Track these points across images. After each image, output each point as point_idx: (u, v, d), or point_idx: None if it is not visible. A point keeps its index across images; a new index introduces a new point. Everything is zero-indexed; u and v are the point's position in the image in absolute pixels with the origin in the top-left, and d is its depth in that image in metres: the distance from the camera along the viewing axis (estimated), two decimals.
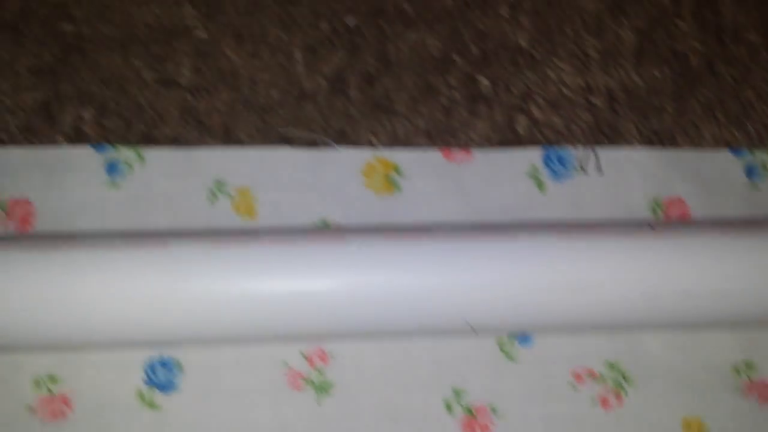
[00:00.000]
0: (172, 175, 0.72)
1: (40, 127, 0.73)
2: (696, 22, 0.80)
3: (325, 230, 0.70)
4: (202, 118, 0.74)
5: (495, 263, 0.64)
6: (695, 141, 0.77)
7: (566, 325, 0.66)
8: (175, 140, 0.73)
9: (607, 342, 0.71)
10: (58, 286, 0.61)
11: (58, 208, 0.70)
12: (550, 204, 0.74)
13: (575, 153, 0.75)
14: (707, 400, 0.70)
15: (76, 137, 0.73)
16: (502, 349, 0.70)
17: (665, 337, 0.71)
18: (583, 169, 0.75)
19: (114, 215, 0.71)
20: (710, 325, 0.69)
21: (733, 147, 0.77)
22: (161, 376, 0.67)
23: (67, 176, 0.71)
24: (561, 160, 0.75)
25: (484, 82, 0.77)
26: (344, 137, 0.74)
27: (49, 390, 0.67)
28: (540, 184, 0.74)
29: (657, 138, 0.76)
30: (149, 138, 0.73)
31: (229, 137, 0.74)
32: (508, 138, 0.75)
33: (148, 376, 0.67)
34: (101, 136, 0.73)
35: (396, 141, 0.75)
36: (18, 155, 0.71)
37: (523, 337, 0.70)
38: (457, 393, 0.69)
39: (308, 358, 0.68)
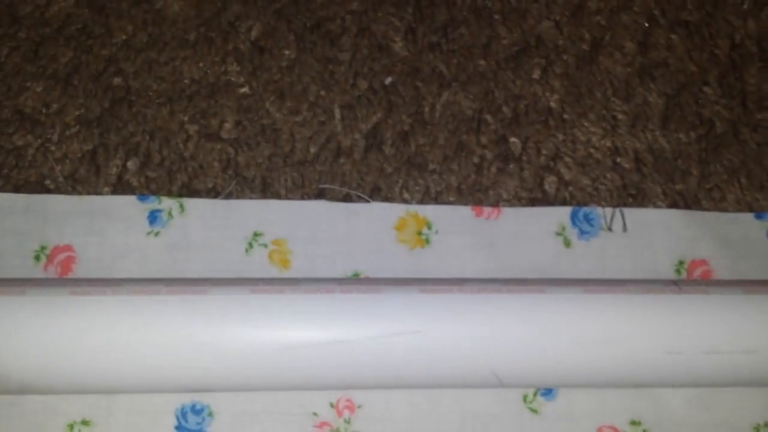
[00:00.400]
0: (211, 226, 0.74)
1: (85, 176, 0.76)
2: (722, 89, 0.82)
3: (357, 281, 0.72)
4: (243, 171, 0.77)
5: (523, 316, 0.65)
6: (719, 204, 0.78)
7: (591, 380, 0.68)
8: (216, 191, 0.76)
9: (630, 399, 0.72)
10: (92, 330, 0.62)
11: (98, 255, 0.73)
12: (576, 261, 0.76)
13: (602, 212, 0.77)
14: None
15: (120, 187, 0.76)
16: (526, 403, 0.71)
17: (688, 396, 0.72)
18: (609, 228, 0.77)
19: (153, 262, 0.73)
20: (733, 383, 0.70)
21: (756, 211, 0.78)
22: (192, 422, 0.69)
23: (109, 224, 0.74)
24: (588, 219, 0.77)
25: (515, 142, 0.79)
26: (378, 192, 0.77)
27: None
28: (567, 242, 0.76)
29: (682, 200, 0.78)
30: (190, 189, 0.76)
31: (267, 190, 0.76)
32: (537, 197, 0.78)
33: (179, 421, 0.69)
34: (144, 186, 0.76)
35: (428, 197, 0.77)
36: (63, 203, 0.74)
37: (547, 391, 0.72)
38: None
39: (336, 408, 0.70)
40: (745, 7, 0.86)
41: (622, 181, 0.79)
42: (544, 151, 0.79)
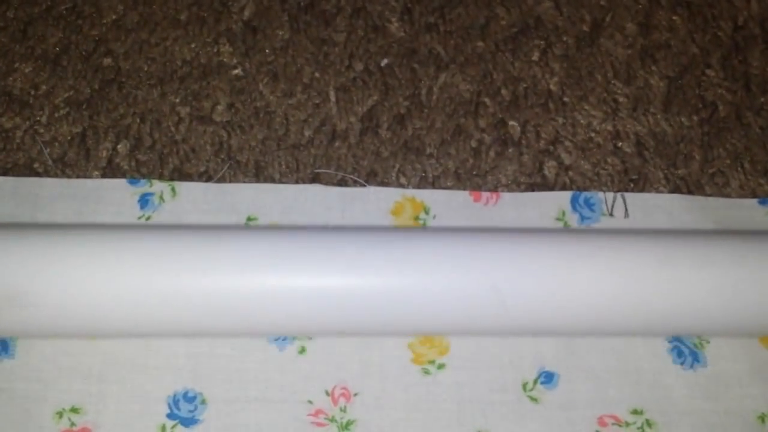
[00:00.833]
0: (204, 210, 0.73)
1: (75, 159, 0.74)
2: (725, 72, 0.81)
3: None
4: (236, 154, 0.75)
5: (525, 244, 0.67)
6: (722, 189, 0.77)
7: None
8: (208, 175, 0.74)
9: (632, 387, 0.71)
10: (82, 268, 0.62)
11: None
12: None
13: (602, 197, 0.76)
14: None
15: (110, 170, 0.74)
16: (525, 391, 0.70)
17: (690, 384, 0.71)
18: (610, 213, 0.75)
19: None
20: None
21: (760, 196, 0.77)
22: (184, 410, 0.68)
23: (100, 208, 0.72)
24: (588, 204, 0.75)
25: (514, 125, 0.78)
26: (374, 177, 0.75)
27: (72, 422, 0.67)
28: (567, 227, 0.75)
29: (684, 185, 0.77)
30: (182, 172, 0.74)
31: (260, 174, 0.75)
32: (537, 182, 0.76)
33: (171, 409, 0.68)
34: (135, 170, 0.74)
35: (425, 182, 0.76)
36: (52, 187, 0.73)
37: (547, 378, 0.70)
38: None
39: (332, 396, 0.69)
40: None
41: (624, 166, 0.77)
42: (543, 135, 0.78)
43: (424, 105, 0.78)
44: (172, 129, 0.75)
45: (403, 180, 0.75)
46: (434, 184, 0.76)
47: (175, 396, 0.68)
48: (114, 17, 0.79)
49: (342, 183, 0.75)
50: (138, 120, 0.76)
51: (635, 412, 0.70)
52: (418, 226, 0.74)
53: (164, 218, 0.72)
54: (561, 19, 0.82)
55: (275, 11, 0.80)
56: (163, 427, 0.67)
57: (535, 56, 0.80)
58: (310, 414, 0.68)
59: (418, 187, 0.75)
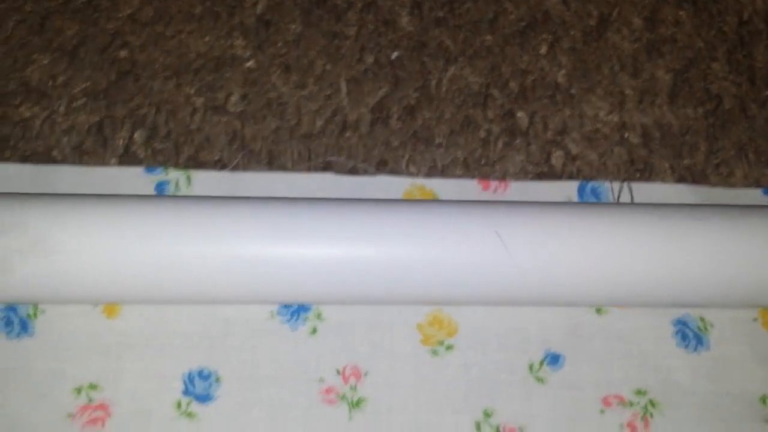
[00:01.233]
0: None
1: (92, 147, 0.76)
2: (730, 65, 0.82)
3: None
4: (249, 143, 0.77)
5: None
6: (727, 179, 0.78)
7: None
8: (222, 164, 0.76)
9: (636, 369, 0.72)
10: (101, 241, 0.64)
11: None
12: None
13: (609, 186, 0.77)
14: (733, 428, 0.71)
15: (127, 158, 0.76)
16: (532, 372, 0.71)
17: (694, 366, 0.72)
18: (616, 202, 0.76)
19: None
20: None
21: (764, 186, 0.78)
22: (199, 387, 0.69)
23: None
24: (595, 193, 0.77)
25: (522, 116, 0.79)
26: (384, 166, 0.77)
27: (89, 398, 0.69)
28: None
29: (689, 175, 0.78)
30: (197, 161, 0.76)
31: (273, 163, 0.76)
32: (544, 171, 0.77)
33: (186, 386, 0.69)
34: (151, 158, 0.76)
35: (434, 171, 0.77)
36: (71, 174, 0.74)
37: (553, 359, 0.71)
38: (487, 414, 0.70)
39: (342, 375, 0.70)
40: None
41: (630, 156, 0.78)
42: (551, 126, 0.79)
43: (433, 96, 0.79)
44: (187, 119, 0.77)
45: (412, 169, 0.77)
46: (443, 173, 0.77)
47: (190, 374, 0.69)
48: (130, 11, 0.81)
49: (353, 172, 0.76)
50: (154, 110, 0.77)
51: (639, 392, 0.71)
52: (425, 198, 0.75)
53: None
54: (569, 14, 0.83)
55: (288, 5, 0.82)
56: (179, 404, 0.69)
57: (543, 49, 0.82)
58: (321, 392, 0.69)
59: (428, 176, 0.77)
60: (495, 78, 0.80)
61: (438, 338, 0.72)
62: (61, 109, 0.77)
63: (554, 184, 0.77)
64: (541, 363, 0.72)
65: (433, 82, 0.80)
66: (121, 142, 0.76)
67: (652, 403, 0.71)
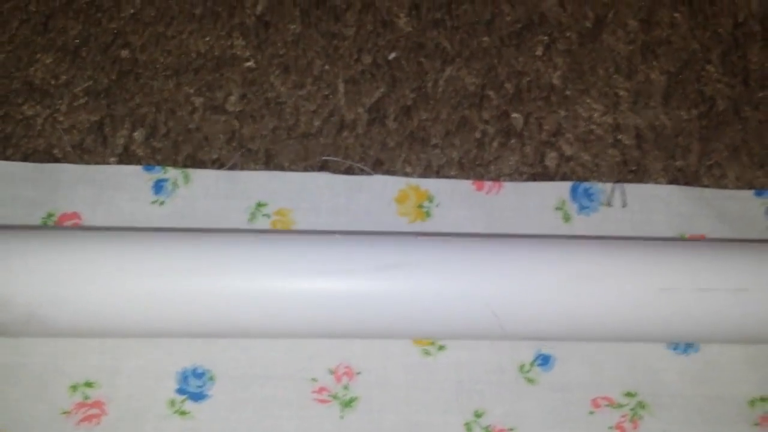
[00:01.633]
0: (215, 196, 0.76)
1: (93, 146, 0.77)
2: (724, 67, 0.83)
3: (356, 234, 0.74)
4: (247, 143, 0.78)
5: (515, 257, 0.67)
6: (719, 181, 0.79)
7: (586, 324, 0.68)
8: (220, 163, 0.77)
9: (625, 370, 0.73)
10: (90, 273, 0.64)
11: (105, 222, 0.74)
12: (575, 235, 0.76)
13: (602, 187, 0.78)
14: (722, 431, 0.72)
15: (126, 157, 0.77)
16: (522, 373, 0.72)
17: (683, 368, 0.73)
18: (609, 203, 0.77)
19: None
20: (724, 329, 0.71)
21: (756, 188, 0.79)
22: (193, 385, 0.70)
23: (116, 193, 0.75)
24: (588, 194, 0.77)
25: (517, 117, 0.80)
26: (380, 165, 0.78)
27: (85, 395, 0.70)
28: (567, 217, 0.77)
29: (682, 177, 0.79)
30: (195, 160, 0.77)
31: (270, 162, 0.77)
32: (538, 172, 0.78)
33: (180, 384, 0.70)
34: (150, 157, 0.77)
35: (430, 171, 0.78)
36: (71, 172, 0.76)
37: (544, 361, 0.72)
38: (478, 414, 0.71)
39: (335, 374, 0.71)
40: None
41: (623, 157, 0.79)
42: (545, 127, 0.80)
43: (429, 97, 0.80)
44: (186, 118, 0.78)
45: (408, 169, 0.78)
46: (438, 173, 0.78)
47: (184, 372, 0.71)
48: (132, 11, 0.82)
49: (349, 171, 0.77)
50: (154, 109, 0.78)
51: (628, 394, 0.72)
52: (414, 233, 0.76)
53: (177, 204, 0.75)
54: (564, 16, 0.84)
55: (287, 6, 0.83)
56: (173, 402, 0.70)
57: (539, 51, 0.83)
58: (314, 391, 0.71)
59: (423, 176, 0.78)
60: (491, 79, 0.81)
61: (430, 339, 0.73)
62: (63, 107, 0.78)
63: (547, 184, 0.78)
64: (532, 364, 0.73)
65: (430, 83, 0.81)
66: (121, 140, 0.77)
67: (642, 405, 0.72)
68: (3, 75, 0.79)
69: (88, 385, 0.70)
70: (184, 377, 0.70)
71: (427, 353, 0.72)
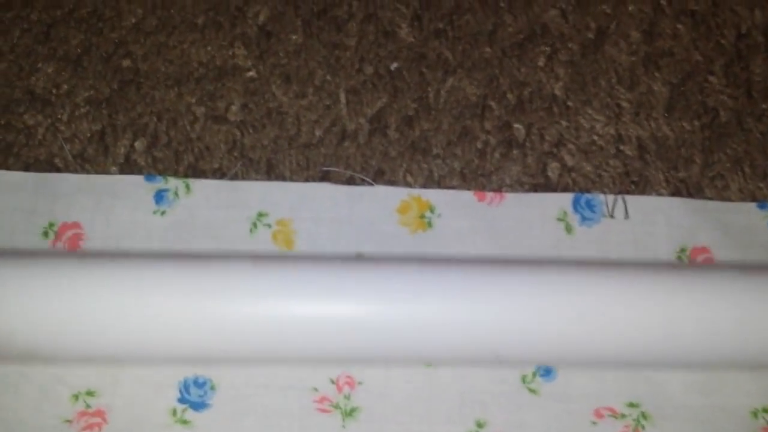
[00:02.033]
0: (216, 206, 0.75)
1: (94, 155, 0.77)
2: (727, 78, 0.83)
3: (359, 259, 0.73)
4: (248, 152, 0.78)
5: (520, 289, 0.67)
6: (722, 193, 0.79)
7: (590, 359, 0.68)
8: (221, 172, 0.77)
9: (628, 381, 0.72)
10: (95, 300, 0.64)
11: (105, 233, 0.74)
12: (577, 247, 0.76)
13: (604, 199, 0.77)
14: None
15: (128, 166, 0.77)
16: (525, 383, 0.72)
17: (686, 379, 0.73)
18: (611, 215, 0.77)
19: (158, 241, 0.74)
20: (730, 367, 0.71)
21: (759, 200, 0.79)
22: (194, 395, 0.70)
23: (117, 202, 0.75)
24: (590, 206, 0.77)
25: (519, 128, 0.80)
26: (382, 176, 0.78)
27: (87, 404, 0.70)
28: (569, 228, 0.76)
29: (684, 188, 0.79)
30: (197, 169, 0.77)
31: (272, 172, 0.77)
32: (540, 182, 0.78)
33: (181, 394, 0.70)
34: (151, 166, 0.77)
35: (431, 181, 0.78)
36: (72, 182, 0.76)
37: (546, 371, 0.72)
38: (480, 425, 0.71)
39: (337, 384, 0.71)
40: None
41: (625, 168, 0.79)
42: (547, 138, 0.80)
43: (431, 107, 0.80)
44: (188, 128, 0.78)
45: (409, 179, 0.78)
46: (440, 184, 0.78)
47: (185, 381, 0.70)
48: (133, 21, 0.82)
49: (350, 181, 0.77)
50: (155, 119, 0.78)
51: (631, 405, 0.72)
52: (417, 257, 0.76)
53: (179, 213, 0.75)
54: (567, 27, 0.84)
55: (289, 16, 0.83)
56: (174, 411, 0.70)
57: (541, 62, 0.83)
58: (315, 400, 0.70)
59: (424, 186, 0.78)
60: (493, 90, 0.81)
61: None
62: (64, 117, 0.78)
63: (549, 196, 0.77)
64: (534, 374, 0.72)
65: (432, 94, 0.81)
66: (122, 150, 0.77)
67: (644, 416, 0.72)
68: (4, 84, 0.79)
69: (90, 394, 0.70)
70: (185, 386, 0.70)
71: (429, 364, 0.72)
